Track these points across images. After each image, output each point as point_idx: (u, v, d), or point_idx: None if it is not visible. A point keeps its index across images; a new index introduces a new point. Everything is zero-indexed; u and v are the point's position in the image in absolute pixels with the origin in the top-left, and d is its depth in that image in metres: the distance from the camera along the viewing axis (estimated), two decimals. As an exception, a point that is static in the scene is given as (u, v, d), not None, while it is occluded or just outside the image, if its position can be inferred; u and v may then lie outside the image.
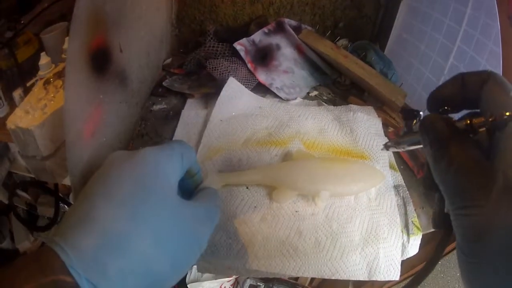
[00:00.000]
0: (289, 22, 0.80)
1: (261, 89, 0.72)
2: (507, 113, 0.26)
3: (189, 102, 0.69)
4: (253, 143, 0.61)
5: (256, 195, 0.54)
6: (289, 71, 0.76)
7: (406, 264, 0.56)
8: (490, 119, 0.27)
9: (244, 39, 0.75)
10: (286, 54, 0.78)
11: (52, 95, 0.69)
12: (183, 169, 0.41)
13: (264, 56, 0.76)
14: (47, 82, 0.72)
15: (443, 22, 0.74)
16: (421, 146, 0.33)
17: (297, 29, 0.80)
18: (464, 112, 0.34)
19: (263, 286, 1.01)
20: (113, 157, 0.38)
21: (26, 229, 1.22)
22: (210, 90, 0.68)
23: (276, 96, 0.72)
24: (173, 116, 0.67)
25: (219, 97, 0.65)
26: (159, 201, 0.35)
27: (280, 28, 0.79)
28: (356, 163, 0.59)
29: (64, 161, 0.70)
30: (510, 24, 0.60)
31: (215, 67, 0.69)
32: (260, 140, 0.61)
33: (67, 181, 0.80)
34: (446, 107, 0.33)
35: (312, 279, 1.03)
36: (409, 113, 0.35)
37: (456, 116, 0.33)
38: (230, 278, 1.01)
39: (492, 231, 0.24)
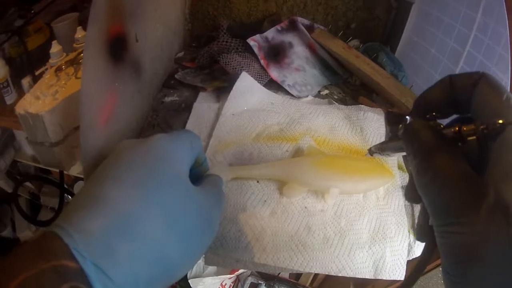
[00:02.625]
0: (302, 20, 0.80)
1: (273, 86, 0.72)
2: (500, 121, 0.24)
3: (201, 95, 0.70)
4: (265, 138, 0.61)
5: (266, 189, 0.54)
6: (300, 69, 0.76)
7: (410, 267, 0.56)
8: (481, 127, 0.25)
9: (258, 35, 0.75)
10: (298, 52, 0.78)
11: (63, 82, 0.69)
12: (192, 156, 0.40)
13: (277, 53, 0.76)
14: (59, 69, 0.72)
15: (454, 26, 0.75)
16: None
17: (310, 28, 0.81)
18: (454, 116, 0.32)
19: (264, 284, 1.01)
20: (124, 144, 0.37)
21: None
22: (223, 84, 0.69)
23: (287, 93, 0.72)
24: (185, 108, 0.67)
25: (231, 91, 0.66)
26: (171, 185, 0.34)
27: (293, 26, 0.80)
28: (366, 162, 0.59)
29: (73, 148, 0.71)
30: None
31: (228, 62, 0.69)
32: (272, 136, 0.61)
33: (73, 171, 0.80)
34: (433, 113, 0.30)
35: (313, 279, 1.03)
36: (393, 117, 0.31)
37: (445, 122, 0.30)
38: (232, 275, 1.01)
39: (481, 252, 0.22)
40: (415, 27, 0.85)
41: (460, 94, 0.29)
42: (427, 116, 0.30)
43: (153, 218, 0.31)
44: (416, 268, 0.32)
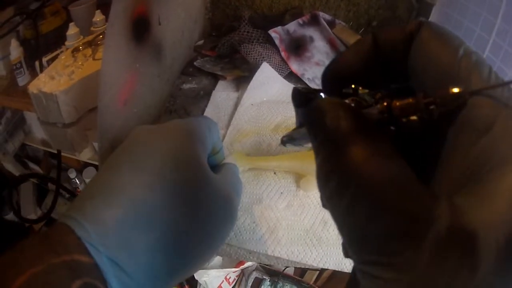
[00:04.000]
0: (323, 15, 0.79)
1: (293, 78, 0.71)
2: (456, 89, 0.15)
3: (221, 84, 0.69)
4: (283, 129, 0.60)
5: (283, 181, 0.53)
6: (321, 64, 0.75)
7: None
8: (426, 101, 0.16)
9: (279, 27, 0.74)
10: (319, 47, 0.77)
11: (80, 62, 0.68)
12: (210, 143, 0.39)
13: (298, 47, 0.75)
14: (76, 50, 0.72)
15: (474, 30, 0.74)
16: None
17: (331, 24, 0.80)
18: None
19: (268, 279, 1.00)
20: (140, 129, 0.35)
21: (34, 202, 1.21)
22: (243, 73, 0.68)
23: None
24: (203, 96, 0.66)
25: (251, 81, 0.65)
26: (191, 172, 0.32)
27: (314, 21, 0.79)
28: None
29: (86, 131, 0.70)
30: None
31: (249, 52, 0.68)
32: (290, 127, 0.60)
33: (84, 156, 0.79)
34: (352, 85, 0.19)
35: (318, 277, 1.02)
36: (302, 96, 0.20)
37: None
38: (236, 269, 1.00)
39: None
40: (436, 28, 0.85)
41: (390, 53, 0.19)
42: (343, 90, 0.20)
43: (173, 206, 0.30)
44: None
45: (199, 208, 0.32)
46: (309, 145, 0.20)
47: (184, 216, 0.30)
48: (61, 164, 0.88)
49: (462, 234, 0.12)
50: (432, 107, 0.15)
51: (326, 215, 0.51)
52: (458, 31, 0.78)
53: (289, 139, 0.27)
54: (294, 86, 0.22)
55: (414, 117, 0.16)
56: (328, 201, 0.16)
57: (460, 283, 0.12)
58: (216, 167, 0.43)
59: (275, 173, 0.54)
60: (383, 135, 0.16)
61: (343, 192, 0.15)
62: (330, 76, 0.21)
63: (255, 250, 0.49)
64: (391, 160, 0.15)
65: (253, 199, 0.51)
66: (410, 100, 0.16)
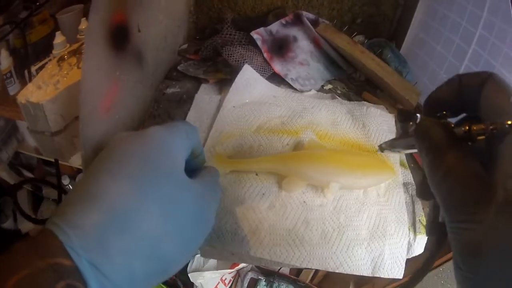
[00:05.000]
0: (307, 15, 0.79)
1: (276, 79, 0.72)
2: (509, 122, 0.24)
3: (203, 87, 0.69)
4: (265, 130, 0.60)
5: (265, 182, 0.54)
6: (304, 63, 0.75)
7: (409, 266, 0.55)
8: (491, 127, 0.25)
9: (262, 28, 0.74)
10: (303, 46, 0.77)
11: (65, 71, 0.69)
12: (188, 148, 0.39)
13: (281, 47, 0.75)
14: (61, 59, 0.72)
15: (460, 24, 0.74)
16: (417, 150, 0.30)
17: (315, 23, 0.80)
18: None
19: (264, 279, 1.00)
20: (119, 136, 0.36)
21: (30, 209, 1.22)
22: (225, 76, 0.68)
23: (290, 87, 0.72)
24: (186, 100, 0.66)
25: (233, 83, 0.65)
26: (167, 178, 0.34)
27: (297, 20, 0.79)
28: (368, 157, 0.59)
29: (73, 138, 0.71)
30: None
31: (230, 54, 0.69)
32: (273, 128, 0.61)
33: (73, 161, 0.80)
34: (443, 111, 0.31)
35: (314, 276, 1.03)
36: (404, 115, 0.33)
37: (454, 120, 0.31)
38: (232, 270, 1.01)
39: (489, 248, 0.22)
40: (421, 24, 0.85)
41: (468, 93, 0.29)
42: (438, 114, 0.31)
43: (149, 212, 0.31)
44: (424, 264, 0.33)
45: (173, 213, 0.33)
46: (405, 151, 0.36)
47: (159, 221, 0.31)
48: (59, 171, 0.88)
49: (511, 203, 0.22)
50: (494, 131, 0.25)
51: (309, 215, 0.52)
52: (444, 25, 0.78)
53: (389, 146, 0.37)
54: (398, 108, 0.36)
55: (482, 137, 0.26)
56: (435, 185, 0.26)
57: (510, 229, 0.21)
58: (196, 171, 0.44)
59: (257, 174, 0.54)
60: (466, 146, 0.26)
61: (446, 179, 0.25)
62: (430, 103, 0.32)
63: (238, 251, 0.49)
64: (471, 160, 0.25)
65: (235, 200, 0.52)
66: (482, 126, 0.26)
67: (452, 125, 0.28)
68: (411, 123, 0.31)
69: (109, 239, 0.28)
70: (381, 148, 0.38)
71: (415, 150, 0.31)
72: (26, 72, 0.84)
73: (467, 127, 0.26)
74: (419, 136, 0.29)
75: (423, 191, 0.34)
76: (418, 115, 0.32)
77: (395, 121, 0.32)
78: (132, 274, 0.29)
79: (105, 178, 0.31)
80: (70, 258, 0.27)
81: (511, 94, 0.26)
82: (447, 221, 0.26)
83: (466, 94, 0.29)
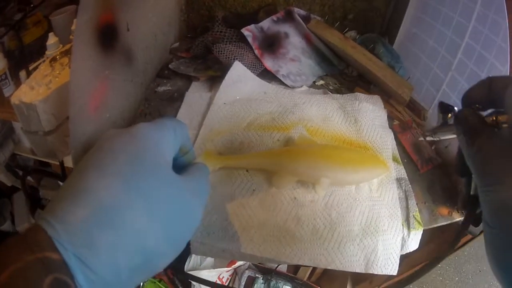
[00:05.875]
0: (298, 11, 0.79)
1: (267, 76, 0.72)
2: None
3: (194, 85, 0.69)
4: (256, 127, 0.60)
5: (255, 179, 0.54)
6: (296, 60, 0.75)
7: (405, 264, 0.55)
8: None
9: (252, 25, 0.74)
10: (294, 42, 0.77)
11: (57, 72, 0.69)
12: (176, 144, 0.40)
13: (272, 44, 0.75)
14: (53, 60, 0.73)
15: (452, 17, 0.74)
16: (453, 136, 0.42)
17: (306, 19, 0.80)
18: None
19: (261, 277, 1.00)
20: (108, 134, 0.37)
21: (27, 211, 1.23)
22: (215, 73, 0.68)
23: (281, 83, 0.72)
24: (177, 97, 0.66)
25: (223, 80, 0.65)
26: (153, 173, 0.34)
27: (289, 17, 0.79)
28: (359, 153, 0.58)
29: (66, 137, 0.71)
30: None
31: (221, 51, 0.69)
32: (263, 125, 0.61)
33: (68, 161, 0.80)
34: (477, 105, 0.40)
35: (311, 273, 1.03)
36: (445, 107, 0.45)
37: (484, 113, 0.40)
38: (229, 268, 1.01)
39: None
40: (413, 18, 0.84)
41: (496, 93, 0.38)
42: (472, 107, 0.40)
43: (135, 207, 0.31)
44: (457, 235, 0.45)
45: (159, 209, 0.33)
46: (444, 137, 0.47)
47: (144, 217, 0.32)
48: (65, 172, 0.89)
49: None
50: None
51: (300, 211, 0.51)
52: (437, 19, 0.78)
53: (432, 133, 0.47)
54: (440, 101, 0.48)
55: (506, 125, 0.36)
56: (471, 158, 0.37)
57: None
58: (185, 167, 0.44)
59: (247, 170, 0.54)
60: (494, 130, 0.37)
61: (478, 153, 0.35)
62: (466, 98, 0.42)
63: (228, 248, 0.49)
64: (498, 140, 0.35)
65: (225, 197, 0.51)
66: (506, 117, 0.36)
67: (483, 116, 0.38)
68: (449, 114, 0.43)
69: (95, 234, 0.29)
70: (424, 135, 0.49)
71: (451, 136, 0.43)
72: (21, 73, 0.84)
73: (494, 117, 0.37)
74: (459, 121, 0.40)
75: (460, 168, 0.43)
76: (455, 108, 0.43)
77: (437, 111, 0.47)
78: (118, 268, 0.30)
79: (92, 174, 0.32)
80: (58, 252, 0.27)
81: None
82: (479, 187, 0.35)
83: (494, 93, 0.38)
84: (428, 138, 0.48)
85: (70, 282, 0.27)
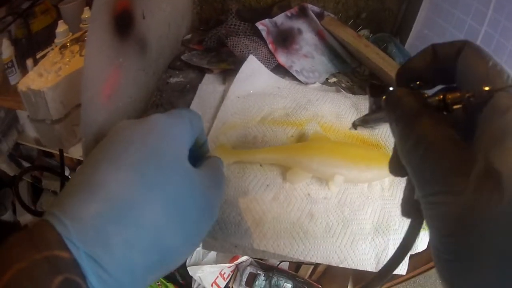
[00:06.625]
0: (312, 8, 0.79)
1: (280, 71, 0.71)
2: (487, 88, 0.23)
3: (207, 77, 0.68)
4: (270, 121, 0.60)
5: (269, 174, 0.53)
6: (309, 56, 0.75)
7: (413, 262, 0.54)
8: (468, 95, 0.24)
9: (267, 19, 0.74)
10: (307, 39, 0.77)
11: (67, 59, 0.68)
12: (193, 136, 0.38)
13: (285, 39, 0.75)
14: (63, 47, 0.71)
15: (465, 21, 0.74)
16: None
17: (320, 16, 0.79)
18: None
19: (263, 274, 1.00)
20: (121, 124, 0.35)
21: (29, 201, 1.22)
22: (229, 66, 0.68)
23: (294, 79, 0.71)
24: (190, 89, 0.66)
25: (238, 74, 0.64)
26: (170, 167, 0.32)
27: (302, 13, 0.78)
28: (373, 151, 0.58)
29: (74, 126, 0.70)
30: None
31: (235, 45, 0.68)
32: (277, 120, 0.60)
33: (75, 153, 0.79)
34: (418, 82, 0.29)
35: (313, 272, 1.02)
36: (376, 89, 0.30)
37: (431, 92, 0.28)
38: (231, 264, 1.01)
39: (471, 223, 0.19)
40: (426, 19, 0.84)
41: (444, 62, 0.27)
42: (411, 85, 0.29)
43: (150, 203, 0.30)
44: (400, 248, 0.30)
45: (177, 204, 0.32)
46: (378, 126, 0.33)
47: (160, 212, 0.30)
48: (63, 161, 0.87)
49: (493, 172, 0.19)
50: (471, 99, 0.23)
51: (313, 208, 0.51)
52: (449, 22, 0.77)
53: (362, 122, 0.35)
54: (370, 82, 0.37)
55: (459, 106, 0.24)
56: (406, 155, 0.24)
57: (493, 202, 0.19)
58: (200, 160, 0.43)
59: (261, 165, 0.54)
60: (441, 114, 0.25)
61: (418, 147, 0.23)
62: (402, 73, 0.30)
63: (240, 244, 0.48)
64: (446, 127, 0.23)
65: (238, 191, 0.51)
66: (458, 94, 0.24)
67: (426, 95, 0.26)
68: (383, 97, 0.28)
69: (109, 231, 0.27)
70: (354, 125, 0.36)
71: (387, 124, 0.28)
72: (28, 61, 0.83)
73: (441, 96, 0.25)
74: (389, 106, 0.27)
75: (394, 165, 0.30)
76: (391, 88, 0.29)
77: (368, 96, 0.30)
78: (133, 267, 0.28)
79: (105, 167, 0.30)
80: (69, 251, 0.26)
81: (489, 60, 0.24)
82: (421, 197, 0.23)
83: (441, 63, 0.28)
84: (358, 129, 0.36)
85: (82, 283, 0.25)
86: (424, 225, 0.52)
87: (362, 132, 0.62)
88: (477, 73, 0.25)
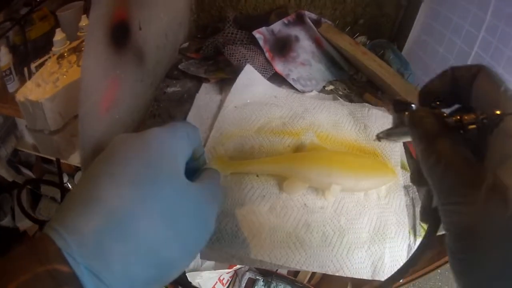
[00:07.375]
0: (309, 15, 0.79)
1: (277, 79, 0.71)
2: (498, 112, 0.26)
3: (204, 86, 0.69)
4: (267, 131, 0.60)
5: (266, 184, 0.53)
6: (306, 64, 0.75)
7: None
8: (481, 117, 0.27)
9: (264, 28, 0.74)
10: (305, 46, 0.77)
11: (65, 69, 0.68)
12: (189, 150, 0.39)
13: (283, 47, 0.75)
14: (61, 57, 0.72)
15: (463, 27, 0.74)
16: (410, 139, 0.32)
17: (317, 23, 0.79)
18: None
19: (262, 280, 1.00)
20: (118, 138, 0.35)
21: (28, 207, 1.22)
22: (226, 75, 0.68)
23: (292, 87, 0.71)
24: (187, 99, 0.66)
25: (235, 83, 0.64)
26: (167, 181, 0.33)
27: (300, 20, 0.78)
28: (369, 160, 0.58)
29: (72, 137, 0.70)
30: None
31: (232, 53, 0.68)
32: (274, 129, 0.60)
33: (73, 160, 0.79)
34: (437, 102, 0.32)
35: (311, 277, 1.02)
36: (400, 105, 0.34)
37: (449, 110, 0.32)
38: (229, 270, 1.01)
39: (480, 229, 0.24)
40: (423, 25, 0.84)
41: (461, 85, 0.30)
42: (432, 104, 0.32)
43: (149, 217, 0.30)
44: (418, 250, 0.33)
45: (174, 218, 0.32)
46: (400, 140, 0.37)
47: (159, 227, 0.31)
48: (61, 171, 0.88)
49: (500, 188, 0.23)
50: (484, 120, 0.26)
51: (310, 218, 0.51)
52: (447, 27, 0.77)
53: (385, 135, 0.37)
54: (394, 98, 0.36)
55: (473, 126, 0.27)
56: (428, 170, 0.27)
57: (500, 213, 0.22)
58: (197, 172, 0.43)
59: (257, 176, 0.54)
60: (457, 134, 0.28)
61: (438, 165, 0.26)
62: (424, 94, 0.33)
63: (237, 254, 0.49)
64: (462, 147, 0.26)
65: (235, 202, 0.51)
66: (473, 115, 0.27)
67: (445, 115, 0.29)
68: (406, 113, 0.31)
69: (109, 245, 0.28)
70: (378, 137, 0.39)
71: (410, 139, 0.32)
72: (25, 69, 0.83)
73: (458, 117, 0.28)
74: (412, 125, 0.30)
75: (416, 177, 0.34)
76: (413, 105, 0.33)
77: (392, 111, 0.33)
78: (132, 281, 0.29)
79: (105, 182, 0.30)
80: (68, 265, 0.26)
81: (501, 85, 0.27)
82: (440, 204, 0.27)
83: (458, 85, 0.31)
84: (382, 141, 0.40)
85: None
86: (421, 233, 0.52)
87: (361, 141, 0.62)
88: (489, 97, 0.28)
